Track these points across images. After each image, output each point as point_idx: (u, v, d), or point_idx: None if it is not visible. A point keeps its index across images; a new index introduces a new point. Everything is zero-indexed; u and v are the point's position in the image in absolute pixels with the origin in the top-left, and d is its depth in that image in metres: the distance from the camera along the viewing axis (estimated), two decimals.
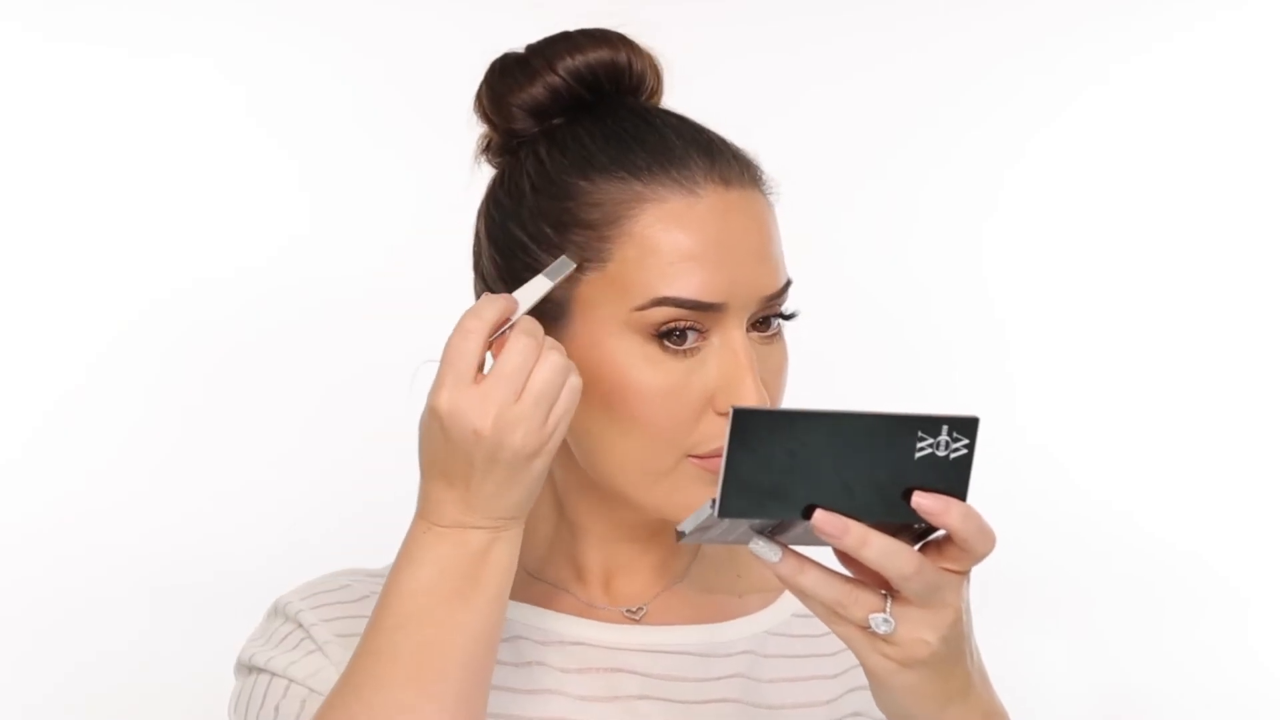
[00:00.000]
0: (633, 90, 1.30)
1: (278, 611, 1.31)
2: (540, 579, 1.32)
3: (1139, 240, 2.26)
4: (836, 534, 1.06)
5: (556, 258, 1.23)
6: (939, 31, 2.28)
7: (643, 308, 1.21)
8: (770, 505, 1.06)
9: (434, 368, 1.20)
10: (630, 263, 1.22)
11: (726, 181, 1.24)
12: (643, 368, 1.22)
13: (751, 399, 1.21)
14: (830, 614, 1.09)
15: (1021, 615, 2.20)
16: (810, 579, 1.08)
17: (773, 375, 1.25)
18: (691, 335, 1.22)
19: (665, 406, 1.22)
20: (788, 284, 1.26)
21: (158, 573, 2.04)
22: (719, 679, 1.31)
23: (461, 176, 1.33)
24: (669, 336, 1.22)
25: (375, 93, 2.15)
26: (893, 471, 1.06)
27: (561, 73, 1.27)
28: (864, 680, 1.32)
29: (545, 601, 1.31)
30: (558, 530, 1.32)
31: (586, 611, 1.31)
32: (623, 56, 1.29)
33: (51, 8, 2.04)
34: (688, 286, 1.21)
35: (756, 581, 1.37)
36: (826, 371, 1.70)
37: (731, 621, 1.34)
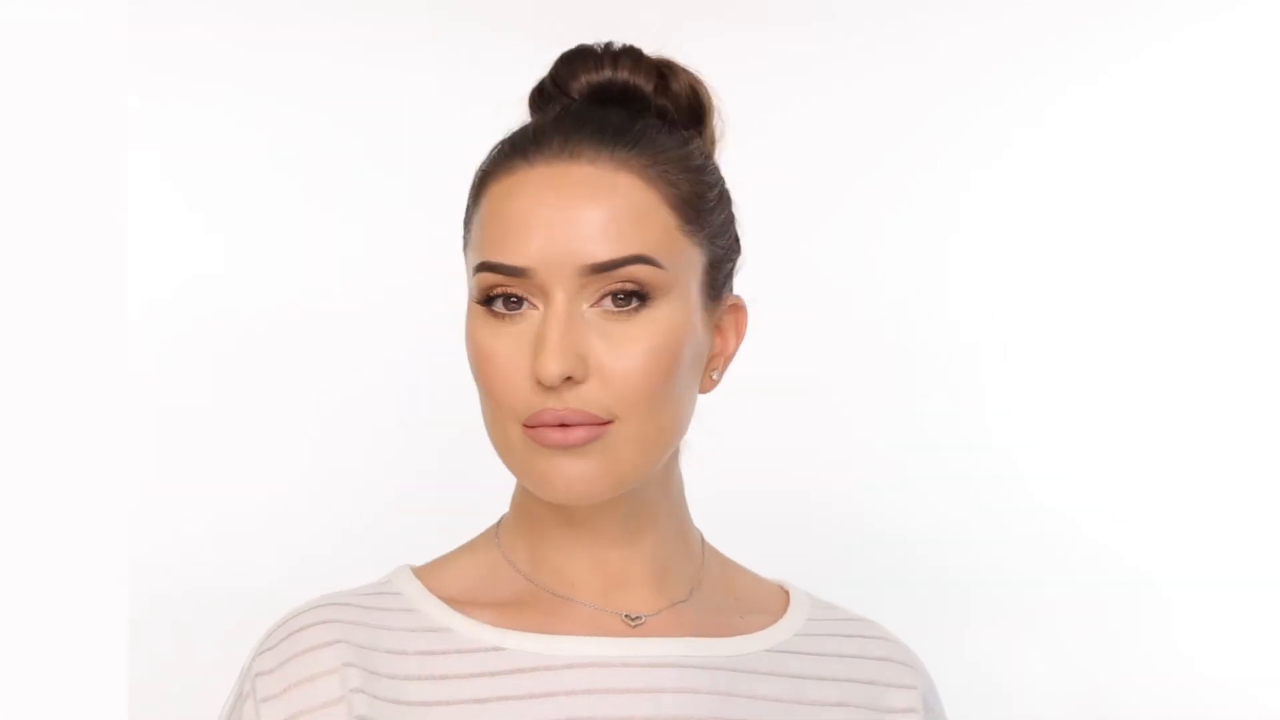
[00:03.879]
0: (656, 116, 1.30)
1: (261, 655, 1.29)
2: (533, 582, 1.31)
3: (1112, 252, 2.25)
4: None
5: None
6: (919, 41, 2.28)
7: (474, 273, 1.25)
8: None
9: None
10: (474, 231, 1.27)
11: (575, 155, 1.25)
12: (482, 335, 1.25)
13: (550, 368, 1.21)
14: None
15: (1007, 619, 2.22)
16: None
17: (631, 355, 1.23)
18: (524, 304, 1.24)
19: (497, 373, 1.24)
20: (627, 260, 1.23)
21: (154, 577, 2.05)
22: (719, 694, 1.29)
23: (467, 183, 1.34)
24: (492, 302, 1.24)
25: (376, 97, 2.17)
26: None
27: (574, 95, 1.30)
28: (862, 703, 1.33)
29: (541, 613, 1.30)
30: (532, 539, 1.32)
31: (583, 625, 1.30)
32: (649, 88, 1.29)
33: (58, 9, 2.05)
34: (499, 250, 1.23)
35: (756, 605, 1.36)
36: (812, 381, 1.69)
37: (731, 638, 1.33)
